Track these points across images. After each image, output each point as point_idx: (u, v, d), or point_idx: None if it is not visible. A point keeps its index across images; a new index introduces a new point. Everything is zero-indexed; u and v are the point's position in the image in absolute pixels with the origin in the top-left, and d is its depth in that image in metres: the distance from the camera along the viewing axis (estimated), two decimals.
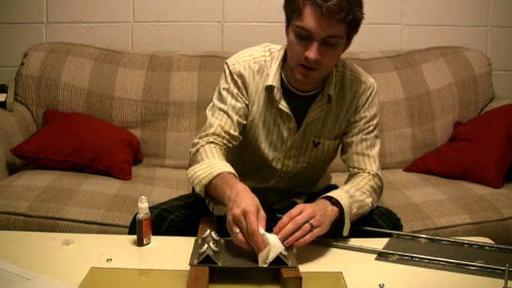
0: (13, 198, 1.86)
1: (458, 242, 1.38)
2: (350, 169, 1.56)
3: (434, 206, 1.96)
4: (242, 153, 1.59)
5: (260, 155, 1.58)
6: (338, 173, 2.00)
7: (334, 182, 1.81)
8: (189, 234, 1.34)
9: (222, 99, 1.52)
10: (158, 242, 1.34)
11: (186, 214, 1.49)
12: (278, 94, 1.50)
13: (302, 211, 1.24)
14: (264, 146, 1.56)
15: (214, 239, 1.22)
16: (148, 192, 2.03)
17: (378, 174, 1.53)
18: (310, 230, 1.23)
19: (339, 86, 1.54)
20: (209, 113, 1.53)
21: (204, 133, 1.49)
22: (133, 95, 2.41)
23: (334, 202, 1.33)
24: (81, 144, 2.16)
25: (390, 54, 2.59)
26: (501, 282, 1.13)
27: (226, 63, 1.54)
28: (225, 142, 1.48)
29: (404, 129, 2.46)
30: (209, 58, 2.49)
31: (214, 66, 2.44)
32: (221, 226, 1.32)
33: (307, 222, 1.23)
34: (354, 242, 1.35)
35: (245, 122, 1.54)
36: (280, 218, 1.24)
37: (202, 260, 1.14)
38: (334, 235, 1.33)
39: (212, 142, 1.46)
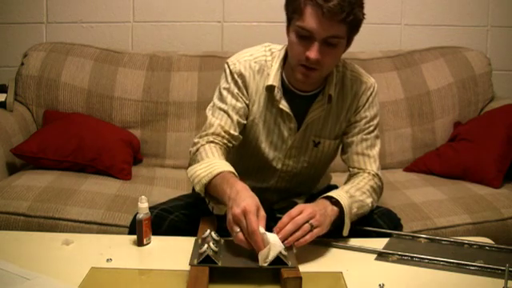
0: (13, 198, 1.86)
1: (458, 242, 1.38)
2: (350, 169, 1.56)
3: (434, 206, 1.96)
4: (243, 152, 1.59)
5: (260, 155, 1.58)
6: (338, 173, 2.00)
7: (334, 182, 1.81)
8: (189, 234, 1.34)
9: (222, 99, 1.52)
10: (157, 241, 1.34)
11: (186, 214, 1.49)
12: (278, 93, 1.50)
13: (301, 211, 1.24)
14: (264, 146, 1.56)
15: (214, 239, 1.22)
16: (148, 192, 2.03)
17: (378, 174, 1.53)
18: (310, 230, 1.23)
19: (340, 86, 1.54)
20: (209, 112, 1.53)
21: (204, 132, 1.50)
22: (133, 95, 2.41)
23: (334, 202, 1.33)
24: (81, 144, 2.16)
25: (390, 54, 2.59)
26: (501, 281, 1.13)
27: (227, 63, 1.54)
28: (225, 141, 1.48)
29: (404, 129, 2.46)
30: (209, 58, 2.49)
31: (214, 66, 2.44)
32: (221, 225, 1.32)
33: (307, 222, 1.23)
34: (354, 241, 1.35)
35: (245, 122, 1.54)
36: (280, 218, 1.24)
37: (202, 260, 1.14)
38: (334, 235, 1.33)
39: (212, 142, 1.46)
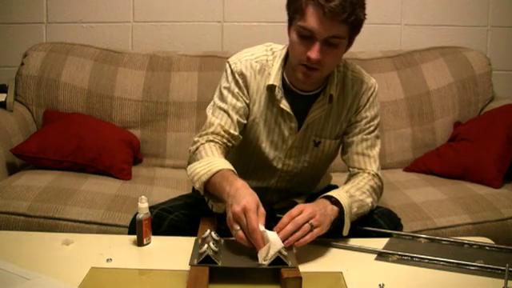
0: (13, 198, 1.86)
1: (458, 242, 1.38)
2: (350, 169, 1.56)
3: (434, 206, 1.96)
4: (243, 152, 1.59)
5: (261, 154, 1.58)
6: (338, 173, 2.00)
7: (334, 182, 1.81)
8: (189, 234, 1.34)
9: (222, 98, 1.52)
10: (157, 242, 1.34)
11: (186, 214, 1.49)
12: (279, 93, 1.50)
13: (301, 211, 1.24)
14: (265, 146, 1.56)
15: (213, 239, 1.22)
16: (148, 192, 2.03)
17: (378, 174, 1.53)
18: (310, 230, 1.23)
19: (341, 86, 1.54)
20: (209, 112, 1.53)
21: (204, 131, 1.50)
22: (133, 95, 2.41)
23: (334, 202, 1.33)
24: (81, 144, 2.16)
25: (390, 54, 2.59)
26: (501, 282, 1.13)
27: (228, 62, 1.54)
28: (224, 140, 1.48)
29: (404, 129, 2.46)
30: (209, 58, 2.49)
31: (214, 66, 2.44)
32: (221, 225, 1.33)
33: (307, 222, 1.23)
34: (354, 241, 1.35)
35: (245, 122, 1.54)
36: (280, 218, 1.24)
37: (202, 260, 1.14)
38: (334, 235, 1.33)
39: (212, 141, 1.47)
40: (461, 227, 1.87)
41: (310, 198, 1.58)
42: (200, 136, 1.49)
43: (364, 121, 1.55)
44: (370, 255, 1.30)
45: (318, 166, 1.63)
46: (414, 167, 2.39)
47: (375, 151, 1.56)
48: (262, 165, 1.60)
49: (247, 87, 1.52)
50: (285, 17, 1.45)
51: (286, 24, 1.45)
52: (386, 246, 1.34)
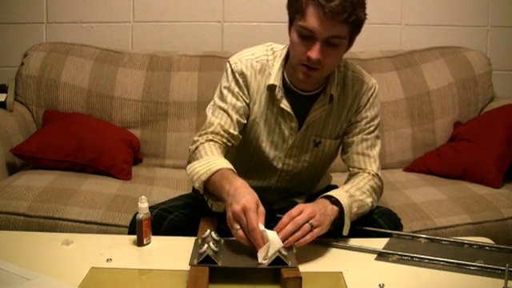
0: (13, 198, 1.86)
1: (458, 242, 1.38)
2: (350, 168, 1.56)
3: (434, 206, 1.96)
4: (243, 152, 1.59)
5: (261, 154, 1.58)
6: (337, 173, 2.00)
7: (334, 182, 1.81)
8: (188, 234, 1.34)
9: (222, 98, 1.52)
10: (157, 242, 1.34)
11: (186, 214, 1.49)
12: (279, 93, 1.50)
13: (301, 211, 1.24)
14: (265, 145, 1.57)
15: (213, 239, 1.22)
16: (148, 192, 2.03)
17: (377, 174, 1.53)
18: (310, 230, 1.23)
19: (341, 86, 1.54)
20: (209, 111, 1.54)
21: (204, 131, 1.50)
22: (133, 95, 2.41)
23: (334, 202, 1.33)
24: (81, 144, 2.16)
25: (390, 54, 2.59)
26: (501, 282, 1.13)
27: (229, 61, 1.54)
28: (224, 140, 1.49)
29: (404, 129, 2.46)
30: (209, 58, 2.49)
31: (214, 66, 2.44)
32: (221, 225, 1.33)
33: (307, 222, 1.23)
34: (354, 241, 1.35)
35: (245, 122, 1.54)
36: (280, 218, 1.24)
37: (202, 260, 1.14)
38: (334, 235, 1.33)
39: (211, 140, 1.47)
40: (461, 227, 1.87)
41: (310, 198, 1.58)
42: (200, 135, 1.50)
43: (364, 121, 1.55)
44: (369, 255, 1.30)
45: (318, 165, 1.63)
46: (413, 167, 2.39)
47: (375, 151, 1.56)
48: (262, 164, 1.60)
49: (247, 87, 1.52)
50: (285, 17, 1.45)
51: (286, 24, 1.45)
52: (386, 246, 1.34)
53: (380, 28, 2.73)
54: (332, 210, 1.31)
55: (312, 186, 1.70)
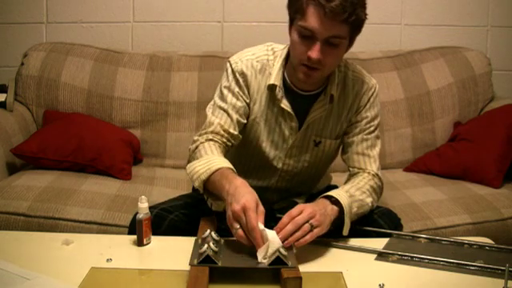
0: (13, 198, 1.86)
1: (458, 242, 1.38)
2: (350, 168, 1.56)
3: (434, 206, 1.96)
4: (243, 151, 1.59)
5: (261, 154, 1.58)
6: (337, 173, 2.00)
7: (334, 182, 1.81)
8: (188, 234, 1.34)
9: (222, 97, 1.52)
10: (157, 242, 1.34)
11: (186, 214, 1.49)
12: (280, 92, 1.50)
13: (301, 211, 1.24)
14: (265, 145, 1.57)
15: (213, 239, 1.22)
16: (148, 192, 2.03)
17: (377, 174, 1.53)
18: (310, 230, 1.23)
19: (341, 86, 1.54)
20: (209, 111, 1.54)
21: (204, 131, 1.50)
22: (133, 95, 2.41)
23: (334, 202, 1.33)
24: (81, 144, 2.16)
25: (390, 54, 2.59)
26: (501, 282, 1.13)
27: (229, 61, 1.54)
28: (224, 140, 1.49)
29: (404, 129, 2.46)
30: (209, 58, 2.49)
31: (214, 66, 2.44)
32: (221, 225, 1.33)
33: (307, 222, 1.23)
34: (354, 241, 1.35)
35: (245, 121, 1.54)
36: (280, 218, 1.24)
37: (202, 260, 1.14)
38: (334, 235, 1.33)
39: (211, 140, 1.47)
40: (461, 227, 1.87)
41: (310, 198, 1.58)
42: (200, 135, 1.50)
43: (364, 121, 1.55)
44: (369, 255, 1.30)
45: (318, 165, 1.63)
46: (413, 167, 2.39)
47: (375, 151, 1.56)
48: (262, 164, 1.60)
49: (248, 86, 1.52)
50: (285, 17, 1.45)
51: (285, 24, 1.45)
52: (386, 246, 1.34)
53: (380, 28, 2.73)
54: (332, 209, 1.31)
55: (312, 185, 1.70)
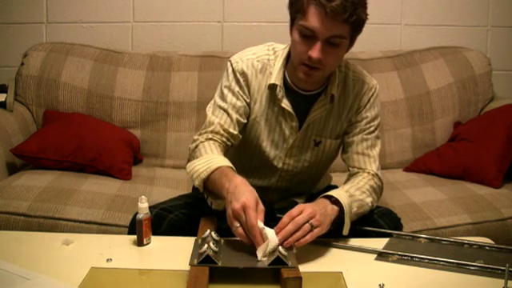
0: (13, 198, 1.86)
1: (458, 242, 1.38)
2: (350, 168, 1.56)
3: (434, 206, 1.96)
4: (244, 151, 1.59)
5: (261, 154, 1.58)
6: (338, 173, 2.00)
7: (334, 182, 1.81)
8: (188, 234, 1.34)
9: (222, 97, 1.52)
10: (157, 242, 1.34)
11: (186, 214, 1.49)
12: (280, 92, 1.50)
13: (302, 211, 1.24)
14: (265, 145, 1.57)
15: (213, 239, 1.22)
16: (148, 192, 2.03)
17: (377, 174, 1.53)
18: (311, 230, 1.23)
19: (342, 86, 1.54)
20: (209, 111, 1.54)
21: (204, 130, 1.50)
22: (133, 95, 2.41)
23: (334, 201, 1.33)
24: (81, 144, 2.16)
25: (390, 54, 2.59)
26: (501, 282, 1.12)
27: (230, 61, 1.54)
28: (224, 139, 1.49)
29: (404, 129, 2.46)
30: (209, 58, 2.49)
31: (214, 66, 2.44)
32: (221, 224, 1.33)
33: (307, 222, 1.23)
34: (354, 241, 1.35)
35: (245, 121, 1.54)
36: (280, 218, 1.24)
37: (202, 260, 1.14)
38: (334, 235, 1.33)
39: (211, 139, 1.47)
40: (461, 227, 1.87)
41: (310, 198, 1.59)
42: (200, 134, 1.50)
43: (364, 121, 1.55)
44: (369, 255, 1.30)
45: (318, 165, 1.63)
46: (414, 167, 2.39)
47: (375, 151, 1.56)
48: (262, 164, 1.60)
49: (248, 86, 1.53)
50: (285, 17, 1.45)
51: (286, 24, 1.45)
52: (386, 246, 1.34)
53: (380, 28, 2.73)
54: (332, 209, 1.31)
55: (312, 185, 1.70)
